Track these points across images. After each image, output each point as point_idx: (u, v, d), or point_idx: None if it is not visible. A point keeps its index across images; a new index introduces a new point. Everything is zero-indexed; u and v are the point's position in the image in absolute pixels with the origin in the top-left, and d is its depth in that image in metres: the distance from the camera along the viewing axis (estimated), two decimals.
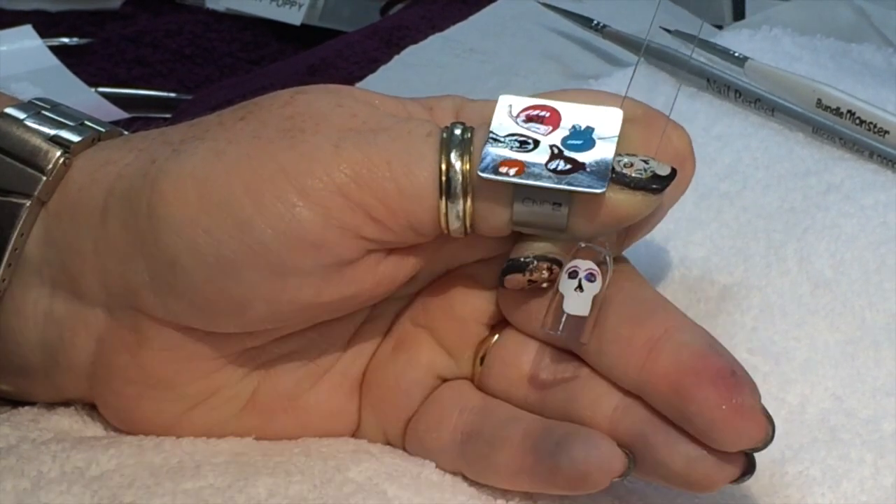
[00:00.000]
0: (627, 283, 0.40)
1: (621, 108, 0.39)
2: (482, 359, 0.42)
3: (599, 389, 0.39)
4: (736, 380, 0.37)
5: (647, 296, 0.40)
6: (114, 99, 0.70)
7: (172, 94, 0.73)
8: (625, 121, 0.39)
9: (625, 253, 0.42)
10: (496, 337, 0.42)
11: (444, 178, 0.38)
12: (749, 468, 0.38)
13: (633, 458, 0.38)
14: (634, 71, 0.42)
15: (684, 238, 0.52)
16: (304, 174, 0.38)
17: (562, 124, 0.39)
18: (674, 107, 0.40)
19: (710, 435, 0.37)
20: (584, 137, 0.39)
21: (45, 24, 0.78)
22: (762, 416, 0.37)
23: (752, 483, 0.39)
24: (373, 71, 0.69)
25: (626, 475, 0.38)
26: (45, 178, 0.41)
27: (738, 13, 0.76)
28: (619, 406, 0.39)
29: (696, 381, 0.37)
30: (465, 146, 0.38)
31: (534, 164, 0.38)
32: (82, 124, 0.42)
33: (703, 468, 0.37)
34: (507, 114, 0.39)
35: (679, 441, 0.37)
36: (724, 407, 0.37)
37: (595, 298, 0.38)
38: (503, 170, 0.38)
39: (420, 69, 0.70)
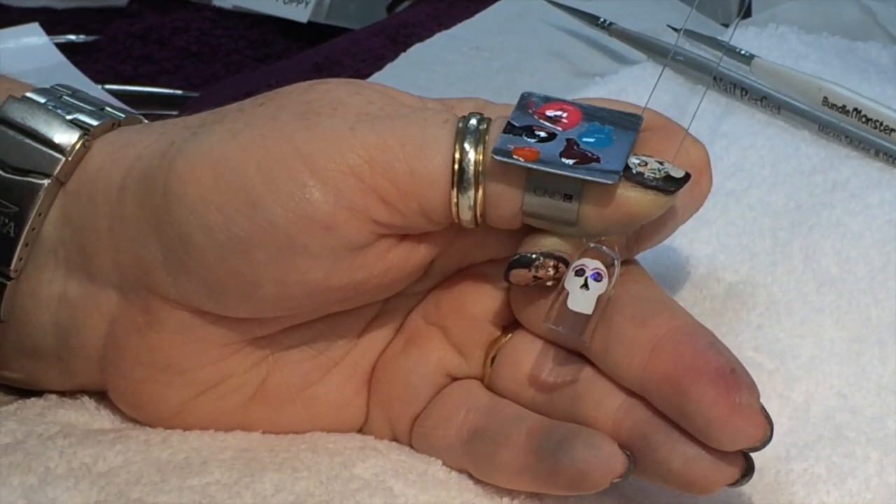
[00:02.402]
0: (634, 284, 0.40)
1: (642, 115, 0.40)
2: (493, 359, 0.42)
3: (604, 389, 0.39)
4: (735, 378, 0.37)
5: (653, 296, 0.40)
6: (120, 96, 0.70)
7: (179, 92, 0.73)
8: (644, 130, 0.39)
9: None
10: (507, 337, 0.42)
11: (456, 167, 0.38)
12: (748, 471, 0.38)
13: (633, 458, 0.38)
14: (658, 80, 0.43)
15: (690, 236, 0.52)
16: (317, 154, 0.38)
17: (581, 122, 0.39)
18: (694, 116, 0.40)
19: (708, 433, 0.37)
20: (601, 134, 0.39)
21: (52, 22, 0.78)
22: (761, 416, 0.37)
23: (756, 480, 0.39)
24: (379, 69, 0.69)
25: (626, 476, 0.38)
26: (64, 159, 0.41)
27: (745, 11, 0.76)
28: (623, 406, 0.39)
29: (695, 378, 0.37)
30: (480, 136, 0.39)
31: (548, 154, 0.38)
32: (102, 109, 0.43)
33: (701, 468, 0.37)
34: (526, 108, 0.40)
35: (678, 441, 0.38)
36: (722, 405, 0.37)
37: (600, 298, 0.38)
38: (517, 155, 0.38)
39: (426, 67, 0.70)
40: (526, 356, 0.41)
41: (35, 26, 0.75)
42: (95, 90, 0.70)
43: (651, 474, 0.38)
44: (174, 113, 0.69)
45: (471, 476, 0.42)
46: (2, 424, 0.41)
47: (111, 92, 0.70)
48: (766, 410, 0.37)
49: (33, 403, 0.43)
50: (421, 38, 0.73)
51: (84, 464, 0.40)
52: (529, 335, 0.42)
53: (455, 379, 0.43)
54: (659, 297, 0.40)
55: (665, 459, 0.38)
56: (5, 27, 0.75)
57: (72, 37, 0.77)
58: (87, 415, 0.43)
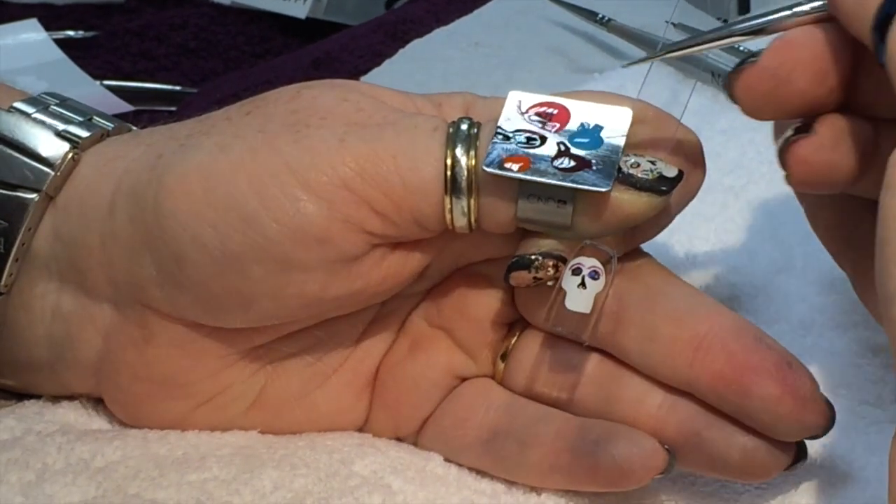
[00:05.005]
0: (653, 278, 0.40)
1: (632, 108, 0.39)
2: (503, 356, 0.42)
3: (640, 388, 0.40)
4: (794, 372, 0.38)
5: (680, 291, 0.40)
6: (119, 92, 0.70)
7: (177, 88, 0.73)
8: (635, 122, 0.39)
9: None
10: (517, 336, 0.42)
11: (449, 174, 0.38)
12: (802, 454, 0.39)
13: (674, 454, 0.38)
14: (647, 73, 0.42)
15: (689, 233, 0.52)
16: (308, 168, 0.38)
17: (570, 122, 0.39)
18: (686, 106, 0.40)
19: (774, 428, 0.38)
20: (591, 136, 0.39)
21: (51, 18, 0.78)
22: (823, 404, 0.38)
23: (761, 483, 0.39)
24: (377, 65, 0.69)
25: (668, 472, 0.38)
26: (53, 174, 0.41)
27: (744, 7, 0.76)
28: (664, 403, 0.39)
29: (754, 377, 0.38)
30: (471, 141, 0.38)
31: (540, 161, 0.38)
32: (90, 120, 0.43)
33: (760, 458, 0.38)
34: (515, 110, 0.39)
35: (734, 434, 0.38)
36: (788, 401, 0.37)
37: (598, 297, 0.38)
38: (508, 165, 0.38)
39: (425, 63, 0.70)
40: (541, 353, 0.41)
41: (34, 22, 0.75)
42: (94, 86, 0.70)
43: (704, 467, 0.39)
44: (172, 109, 0.69)
45: (470, 471, 0.42)
46: (0, 421, 0.41)
47: (110, 88, 0.70)
48: (825, 397, 0.38)
49: (32, 403, 0.43)
50: (419, 35, 0.73)
51: (82, 459, 0.40)
52: (540, 333, 0.41)
53: (464, 379, 0.43)
54: (685, 291, 0.40)
55: (724, 453, 0.38)
56: (4, 23, 0.75)
57: (70, 33, 0.77)
58: (85, 414, 0.43)
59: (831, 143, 0.37)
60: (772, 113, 0.37)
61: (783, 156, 0.37)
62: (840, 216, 0.41)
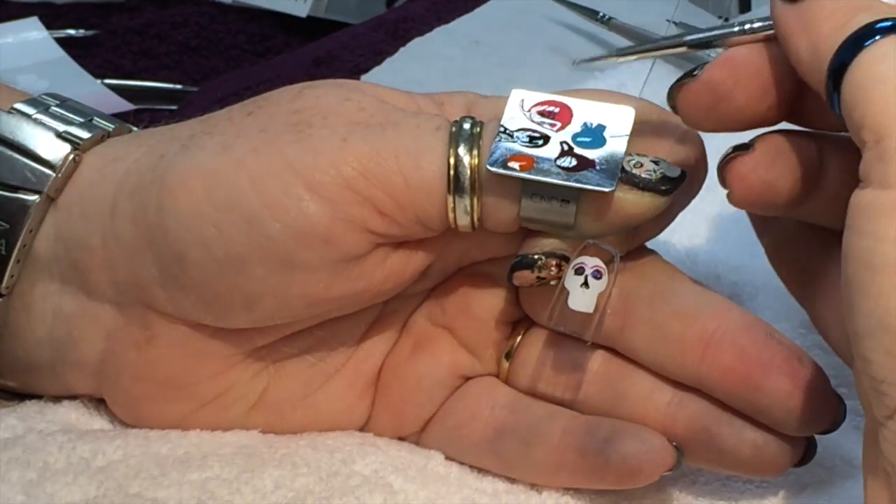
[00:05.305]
0: (660, 275, 0.40)
1: (635, 108, 0.39)
2: (507, 355, 0.42)
3: (648, 385, 0.40)
4: (804, 366, 0.38)
5: (687, 288, 0.40)
6: (120, 91, 0.70)
7: (178, 86, 0.73)
8: (638, 122, 0.39)
9: None
10: (521, 334, 0.42)
11: (452, 173, 0.38)
12: (812, 450, 0.39)
13: (682, 451, 0.39)
14: (649, 72, 0.42)
15: (689, 231, 0.52)
16: (311, 168, 0.38)
17: (573, 121, 0.39)
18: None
19: (786, 423, 0.38)
20: (594, 135, 0.39)
21: (51, 16, 0.78)
22: (834, 399, 0.38)
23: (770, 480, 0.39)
24: (378, 63, 0.70)
25: (676, 468, 0.38)
26: (54, 175, 0.41)
27: (744, 5, 0.76)
28: (673, 400, 0.39)
29: (765, 373, 0.38)
30: (474, 140, 0.38)
31: (543, 160, 0.38)
32: (91, 121, 0.42)
33: (770, 454, 0.38)
34: (518, 108, 0.39)
35: (745, 429, 0.39)
36: (798, 396, 0.38)
37: (600, 296, 0.38)
38: (512, 164, 0.38)
39: (426, 61, 0.70)
40: (547, 354, 0.41)
41: (34, 21, 0.75)
42: (95, 85, 0.70)
43: (714, 463, 0.39)
44: (174, 107, 0.69)
45: (471, 470, 0.42)
46: (1, 420, 0.41)
47: (111, 86, 0.70)
48: (836, 391, 0.38)
49: (33, 403, 0.43)
50: (420, 33, 0.73)
51: (83, 458, 0.40)
52: (545, 331, 0.42)
53: (468, 378, 0.43)
54: (696, 289, 0.40)
55: (734, 449, 0.39)
56: (4, 22, 0.75)
57: (71, 31, 0.77)
58: (86, 414, 0.43)
59: (769, 161, 0.38)
60: (712, 126, 0.38)
61: (721, 173, 0.38)
62: (796, 251, 0.41)
